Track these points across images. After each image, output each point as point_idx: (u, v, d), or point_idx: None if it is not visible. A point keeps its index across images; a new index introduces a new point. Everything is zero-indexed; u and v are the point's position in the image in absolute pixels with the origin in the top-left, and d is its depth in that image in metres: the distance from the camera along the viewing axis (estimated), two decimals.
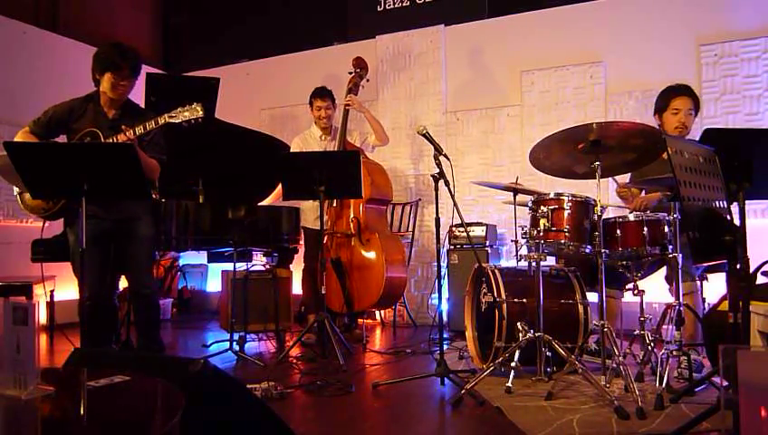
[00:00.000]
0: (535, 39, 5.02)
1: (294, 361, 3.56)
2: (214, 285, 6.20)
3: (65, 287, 4.84)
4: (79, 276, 2.73)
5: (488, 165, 5.16)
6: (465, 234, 4.44)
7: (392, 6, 5.63)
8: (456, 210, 2.94)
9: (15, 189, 3.12)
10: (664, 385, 2.54)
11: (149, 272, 3.28)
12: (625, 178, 3.51)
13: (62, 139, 3.16)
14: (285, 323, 4.25)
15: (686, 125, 3.33)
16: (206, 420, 1.41)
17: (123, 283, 3.74)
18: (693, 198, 1.97)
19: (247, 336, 3.98)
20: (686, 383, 2.66)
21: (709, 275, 3.22)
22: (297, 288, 4.55)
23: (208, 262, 5.80)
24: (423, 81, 5.44)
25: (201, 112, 2.94)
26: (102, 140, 2.96)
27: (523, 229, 2.95)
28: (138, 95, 3.54)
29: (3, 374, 1.27)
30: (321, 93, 4.43)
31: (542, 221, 2.87)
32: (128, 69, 3.01)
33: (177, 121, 2.96)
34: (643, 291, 2.92)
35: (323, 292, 3.58)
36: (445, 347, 3.30)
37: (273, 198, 4.58)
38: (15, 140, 3.03)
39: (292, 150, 4.41)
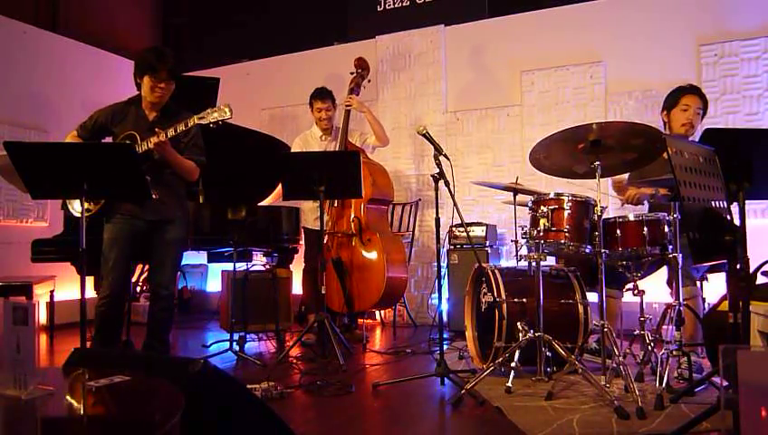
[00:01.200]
0: (535, 39, 5.02)
1: (294, 361, 3.56)
2: (214, 285, 6.20)
3: (66, 287, 4.84)
4: (82, 275, 2.74)
5: (488, 165, 5.16)
6: (465, 234, 4.44)
7: (392, 6, 5.63)
8: (456, 210, 2.94)
9: None
10: (664, 385, 2.54)
11: (172, 274, 3.31)
12: (623, 177, 3.51)
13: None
14: (285, 323, 4.25)
15: (692, 124, 3.35)
16: (206, 420, 1.41)
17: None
18: (693, 198, 1.97)
19: (247, 336, 3.98)
20: (686, 383, 2.66)
21: (709, 275, 3.23)
22: (297, 288, 4.55)
23: (208, 262, 5.80)
24: (423, 81, 5.44)
25: (229, 114, 2.98)
26: (139, 142, 3.02)
27: (523, 229, 2.95)
28: None
29: (3, 374, 1.27)
30: (322, 95, 4.42)
31: (542, 221, 2.87)
32: (165, 72, 3.05)
33: (205, 123, 3.00)
34: (643, 291, 2.92)
35: (323, 292, 3.58)
36: (445, 347, 3.30)
37: (273, 198, 4.58)
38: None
39: (292, 151, 4.41)
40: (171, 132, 2.98)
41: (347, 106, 4.42)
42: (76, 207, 3.17)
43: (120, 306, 3.16)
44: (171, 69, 3.07)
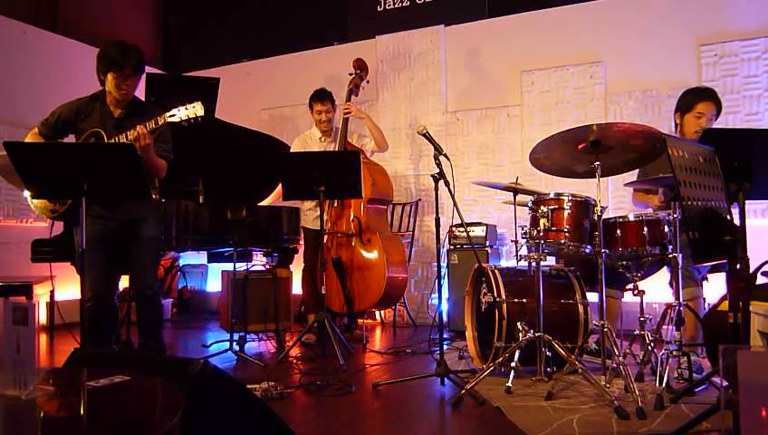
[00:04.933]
0: (535, 39, 5.02)
1: (294, 361, 3.56)
2: (214, 285, 6.20)
3: (65, 287, 4.84)
4: (82, 275, 2.73)
5: (488, 165, 5.16)
6: (465, 234, 4.44)
7: (392, 6, 5.64)
8: (456, 210, 2.94)
9: (26, 192, 3.11)
10: (664, 385, 2.55)
11: (153, 273, 3.28)
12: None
13: (71, 139, 3.15)
14: (285, 323, 4.25)
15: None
16: (207, 420, 1.41)
17: (122, 283, 3.74)
18: (693, 198, 1.97)
19: (247, 336, 3.98)
20: (686, 383, 2.66)
21: (709, 275, 3.23)
22: (297, 288, 4.55)
23: (208, 262, 5.80)
24: (423, 81, 5.44)
25: (201, 111, 2.93)
26: (106, 139, 2.94)
27: (523, 229, 2.95)
28: (138, 95, 3.54)
29: (3, 374, 1.26)
30: (321, 97, 4.40)
31: (542, 221, 2.87)
32: (129, 68, 2.95)
33: (176, 121, 2.94)
34: (643, 291, 2.92)
35: (323, 292, 3.58)
36: (445, 347, 3.30)
37: (274, 198, 4.58)
38: (24, 141, 3.04)
39: (292, 151, 4.40)
40: (142, 129, 2.90)
41: (345, 113, 4.41)
42: (34, 202, 3.10)
43: (108, 307, 3.11)
44: (136, 64, 2.98)
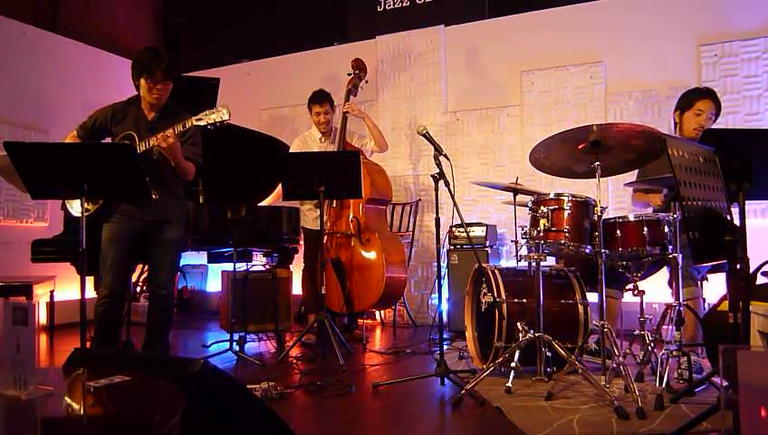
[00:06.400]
0: (535, 39, 5.02)
1: (294, 361, 3.56)
2: (214, 285, 6.20)
3: (66, 287, 4.84)
4: (82, 275, 2.74)
5: (488, 165, 5.16)
6: (465, 234, 4.44)
7: (392, 6, 5.64)
8: (456, 210, 2.94)
9: None
10: (664, 385, 2.55)
11: (170, 275, 3.32)
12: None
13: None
14: (285, 323, 4.25)
15: (704, 128, 3.31)
16: (207, 420, 1.41)
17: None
18: (693, 198, 1.97)
19: (247, 336, 3.98)
20: (686, 383, 2.66)
21: (709, 275, 3.23)
22: (297, 288, 4.55)
23: (208, 262, 5.80)
24: (423, 81, 5.44)
25: (227, 116, 3.00)
26: (137, 141, 3.03)
27: (523, 229, 2.95)
28: None
29: (3, 374, 1.27)
30: (320, 99, 4.38)
31: (542, 221, 2.87)
32: (160, 73, 3.04)
33: (203, 124, 3.01)
34: (643, 291, 2.92)
35: (323, 292, 3.58)
36: (445, 347, 3.30)
37: (273, 198, 4.58)
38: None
39: (292, 151, 4.40)
40: (170, 132, 2.98)
41: (345, 112, 4.41)
42: (75, 207, 3.19)
43: (120, 306, 3.17)
44: (167, 69, 3.06)
